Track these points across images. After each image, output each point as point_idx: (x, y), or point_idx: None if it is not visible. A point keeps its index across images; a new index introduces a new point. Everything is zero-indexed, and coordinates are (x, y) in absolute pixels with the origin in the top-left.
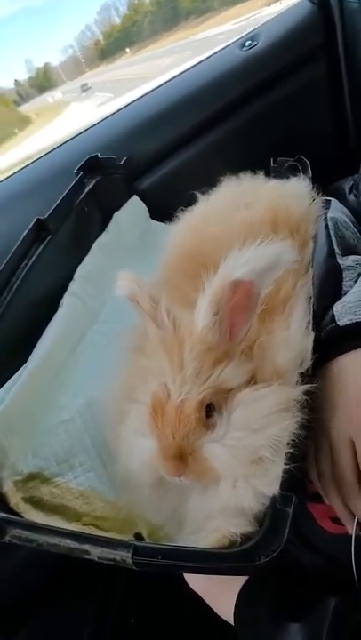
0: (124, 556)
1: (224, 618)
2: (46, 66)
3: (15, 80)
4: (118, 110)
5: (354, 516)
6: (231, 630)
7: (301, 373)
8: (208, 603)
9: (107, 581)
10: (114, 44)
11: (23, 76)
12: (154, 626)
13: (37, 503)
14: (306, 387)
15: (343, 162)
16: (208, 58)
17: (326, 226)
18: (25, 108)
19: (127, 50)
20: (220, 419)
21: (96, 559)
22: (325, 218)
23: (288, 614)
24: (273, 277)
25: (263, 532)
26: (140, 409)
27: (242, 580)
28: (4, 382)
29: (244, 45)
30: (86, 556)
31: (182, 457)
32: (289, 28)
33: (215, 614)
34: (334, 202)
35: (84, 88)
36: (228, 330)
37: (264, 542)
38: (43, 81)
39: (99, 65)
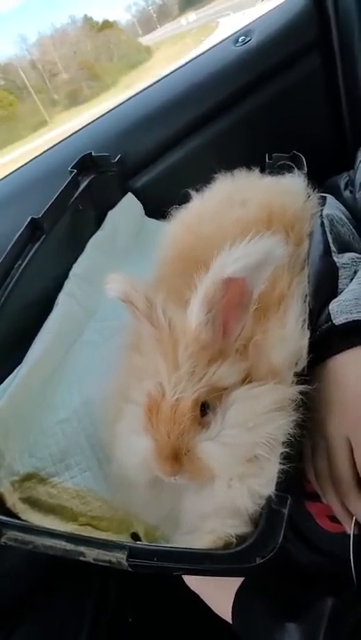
0: (120, 557)
1: (222, 616)
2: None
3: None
4: (113, 109)
5: (352, 515)
6: (228, 627)
7: (297, 372)
8: (206, 601)
9: (103, 579)
10: None
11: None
12: (151, 623)
13: (35, 503)
14: (301, 386)
15: (339, 157)
16: (202, 54)
17: (322, 223)
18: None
19: None
20: (214, 417)
21: (92, 561)
22: (321, 215)
23: (286, 613)
24: (266, 274)
25: (259, 533)
26: (135, 408)
27: (240, 579)
28: (0, 383)
29: (237, 41)
30: (82, 558)
31: (177, 457)
32: (283, 23)
33: (212, 611)
34: (330, 198)
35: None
36: (222, 328)
37: (260, 543)
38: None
39: None
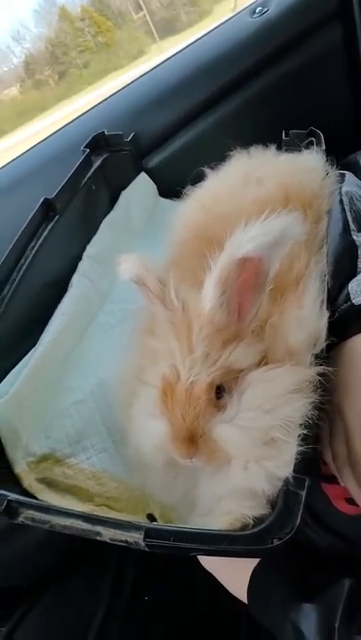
0: (136, 537)
1: (237, 597)
2: None
3: None
4: (126, 86)
5: None
6: (245, 608)
7: (315, 354)
8: (221, 582)
9: (120, 560)
10: None
11: None
12: (167, 603)
13: (51, 484)
14: (320, 368)
15: (358, 133)
16: (217, 27)
17: (341, 200)
18: None
19: None
20: (230, 400)
21: (108, 541)
22: (340, 192)
23: (302, 594)
24: (281, 252)
25: (276, 515)
26: (149, 390)
27: (255, 560)
28: (16, 364)
29: (254, 12)
30: (98, 538)
31: (193, 439)
32: None
33: (229, 593)
34: (349, 175)
35: None
36: (237, 309)
37: (277, 525)
38: None
39: None
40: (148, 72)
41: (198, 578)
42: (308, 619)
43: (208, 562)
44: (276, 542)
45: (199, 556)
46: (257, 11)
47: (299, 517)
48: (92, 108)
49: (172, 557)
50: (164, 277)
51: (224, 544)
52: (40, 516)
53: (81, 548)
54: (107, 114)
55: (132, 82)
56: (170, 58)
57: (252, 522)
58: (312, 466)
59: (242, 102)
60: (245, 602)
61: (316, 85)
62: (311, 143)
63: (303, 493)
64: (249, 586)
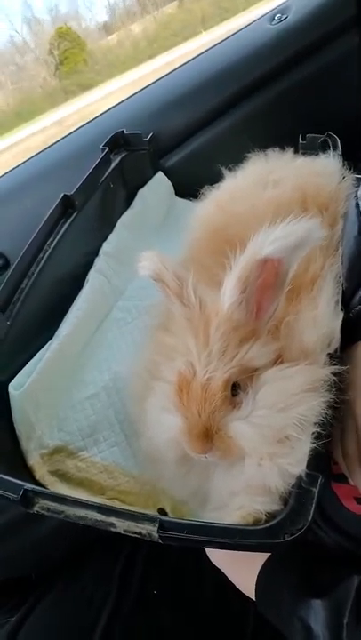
0: (150, 529)
1: (244, 592)
2: None
3: None
4: (147, 86)
5: None
6: (253, 604)
7: (330, 354)
8: (229, 577)
9: (131, 553)
10: None
11: None
12: (176, 597)
13: (63, 476)
14: (334, 367)
15: None
16: (237, 33)
17: (357, 204)
18: None
19: None
20: (245, 397)
21: (122, 532)
22: (356, 196)
23: (311, 590)
24: (301, 255)
25: (288, 511)
26: (164, 386)
27: (264, 556)
28: (31, 357)
29: (273, 19)
30: (112, 529)
31: (208, 435)
32: (321, 0)
33: (236, 588)
34: None
35: None
36: (255, 308)
37: (289, 521)
38: None
39: None
40: (167, 74)
41: (206, 574)
42: (316, 615)
43: (216, 558)
44: (287, 538)
45: (208, 552)
46: (276, 17)
47: (311, 514)
48: (112, 107)
49: (181, 552)
50: (181, 275)
51: (237, 538)
52: (55, 506)
53: (92, 541)
54: (126, 113)
55: (152, 83)
56: (190, 61)
57: (264, 517)
58: (324, 463)
59: (260, 106)
60: (253, 598)
61: (334, 91)
62: (328, 147)
63: (316, 490)
64: (257, 582)
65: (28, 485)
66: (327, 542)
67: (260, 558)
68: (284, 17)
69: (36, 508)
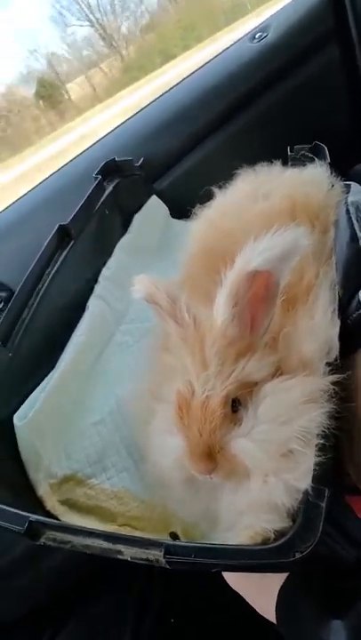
0: (157, 555)
1: (265, 616)
2: None
3: None
4: (134, 115)
5: None
6: (273, 628)
7: (329, 363)
8: (248, 601)
9: (146, 580)
10: None
11: None
12: (194, 624)
13: (73, 505)
14: (333, 376)
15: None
16: (220, 54)
17: (347, 210)
18: None
19: None
20: (246, 413)
21: (129, 559)
22: (346, 202)
23: (331, 611)
24: (291, 265)
25: (297, 528)
26: (166, 408)
27: (282, 577)
28: (35, 387)
29: (254, 38)
30: (120, 557)
31: (211, 455)
32: (299, 16)
33: (257, 612)
34: (354, 185)
35: None
36: (249, 322)
37: (298, 538)
38: None
39: None
40: (155, 100)
41: (225, 598)
42: (338, 636)
43: (233, 580)
44: (297, 556)
45: (225, 576)
46: (256, 36)
47: (320, 529)
48: (103, 137)
49: (197, 576)
50: (174, 294)
51: (246, 559)
52: (62, 536)
53: (106, 568)
54: (117, 141)
55: (140, 110)
56: (175, 86)
57: (273, 535)
58: (331, 476)
59: (246, 123)
60: (272, 619)
61: (318, 103)
62: (316, 157)
63: (323, 504)
64: (277, 603)
65: (33, 517)
66: (347, 558)
67: (278, 580)
68: (265, 35)
69: (42, 540)
